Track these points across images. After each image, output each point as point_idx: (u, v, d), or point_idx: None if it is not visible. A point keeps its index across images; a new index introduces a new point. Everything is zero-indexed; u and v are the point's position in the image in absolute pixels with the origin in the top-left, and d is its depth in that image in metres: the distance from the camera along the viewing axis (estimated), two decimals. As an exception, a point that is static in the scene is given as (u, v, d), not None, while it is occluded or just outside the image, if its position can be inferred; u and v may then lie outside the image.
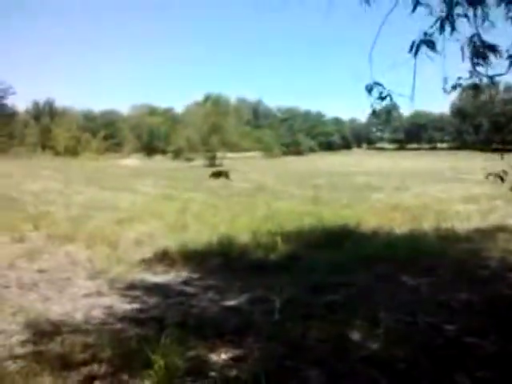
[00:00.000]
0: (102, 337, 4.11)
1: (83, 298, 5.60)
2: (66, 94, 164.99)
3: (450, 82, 4.45)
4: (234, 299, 5.52)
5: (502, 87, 77.83)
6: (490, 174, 5.00)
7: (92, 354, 3.84)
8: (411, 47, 4.20)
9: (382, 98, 4.26)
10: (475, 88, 4.50)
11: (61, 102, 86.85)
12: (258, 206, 13.86)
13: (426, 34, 4.24)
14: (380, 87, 4.25)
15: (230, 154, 58.48)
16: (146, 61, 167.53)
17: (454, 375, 3.49)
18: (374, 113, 4.44)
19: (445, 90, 4.40)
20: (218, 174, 27.41)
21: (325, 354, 3.86)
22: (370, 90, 4.24)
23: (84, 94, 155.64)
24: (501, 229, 9.80)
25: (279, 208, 13.57)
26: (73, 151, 67.58)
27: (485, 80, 4.47)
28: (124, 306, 5.31)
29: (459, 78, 4.44)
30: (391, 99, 4.30)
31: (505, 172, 4.87)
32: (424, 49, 4.22)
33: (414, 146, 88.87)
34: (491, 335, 4.24)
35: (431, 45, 4.19)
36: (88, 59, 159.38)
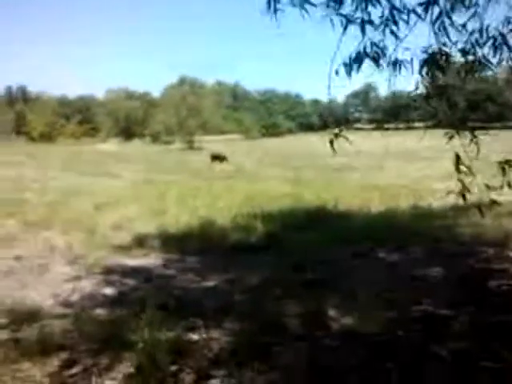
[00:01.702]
0: (82, 321, 4.09)
1: (62, 284, 5.54)
2: (40, 81, 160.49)
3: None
4: (214, 280, 5.53)
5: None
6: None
7: (71, 338, 3.81)
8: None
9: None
10: None
11: (35, 88, 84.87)
12: (238, 189, 13.87)
13: None
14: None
15: (209, 137, 58.04)
16: (121, 45, 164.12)
17: (431, 347, 3.57)
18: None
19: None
20: (216, 157, 26.27)
21: (304, 329, 3.91)
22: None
23: (59, 80, 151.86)
24: (476, 205, 9.96)
25: (259, 190, 13.60)
26: (48, 137, 66.28)
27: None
28: (103, 290, 5.28)
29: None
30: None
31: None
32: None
33: (392, 125, 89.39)
34: (466, 307, 4.34)
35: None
36: (62, 45, 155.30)
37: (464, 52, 3.80)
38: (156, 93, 79.93)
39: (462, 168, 3.44)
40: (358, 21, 3.45)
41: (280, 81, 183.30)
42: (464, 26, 3.75)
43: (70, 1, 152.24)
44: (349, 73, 3.52)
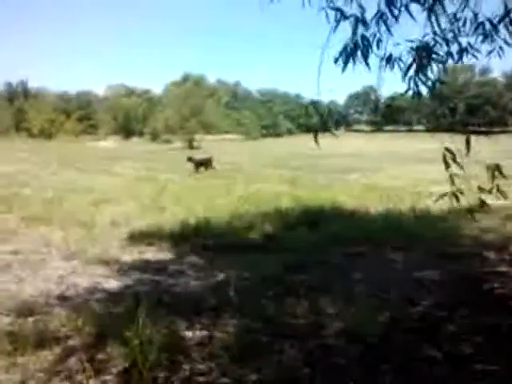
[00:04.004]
0: (78, 315, 4.09)
1: (58, 279, 5.53)
2: (41, 76, 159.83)
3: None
4: (211, 278, 5.53)
5: (477, 70, 78.61)
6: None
7: (66, 332, 3.82)
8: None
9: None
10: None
11: (35, 83, 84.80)
12: (236, 188, 13.86)
13: None
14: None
15: (208, 137, 57.97)
16: (121, 42, 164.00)
17: (424, 349, 3.57)
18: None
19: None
20: (199, 164, 20.78)
21: (300, 329, 3.92)
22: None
23: (59, 75, 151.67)
24: (475, 209, 9.98)
25: (258, 189, 13.60)
26: (48, 133, 66.32)
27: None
28: (100, 285, 5.27)
29: None
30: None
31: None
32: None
33: (392, 128, 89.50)
34: (461, 309, 4.35)
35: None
36: (62, 40, 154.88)
37: (447, 41, 3.72)
38: (157, 89, 79.94)
39: (455, 171, 3.41)
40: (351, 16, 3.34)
41: (280, 81, 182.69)
42: (455, 15, 3.72)
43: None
44: (344, 66, 3.41)
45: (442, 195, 3.52)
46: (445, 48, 3.67)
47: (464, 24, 3.72)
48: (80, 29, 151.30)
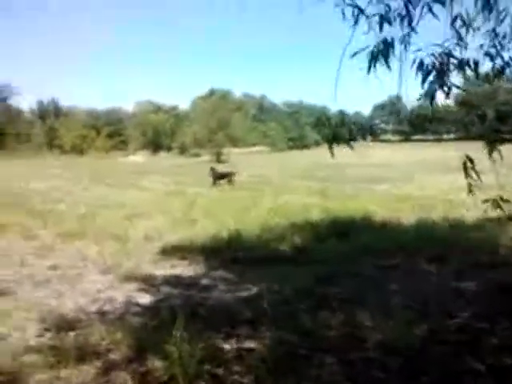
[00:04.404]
0: (116, 329, 4.17)
1: (96, 293, 5.66)
2: (70, 94, 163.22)
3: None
4: (244, 290, 5.56)
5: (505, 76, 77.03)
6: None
7: (106, 346, 3.90)
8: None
9: None
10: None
11: (65, 102, 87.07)
12: (264, 200, 13.90)
13: None
14: None
15: (236, 150, 58.33)
16: (148, 59, 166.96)
17: (466, 361, 3.51)
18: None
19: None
20: (220, 177, 20.92)
21: (336, 341, 3.90)
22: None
23: (88, 93, 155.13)
24: (509, 217, 9.75)
25: (286, 201, 13.62)
26: (79, 149, 67.93)
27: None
28: (136, 299, 5.37)
29: None
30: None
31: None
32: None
33: (419, 137, 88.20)
34: (502, 320, 4.25)
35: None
36: (90, 59, 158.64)
37: (491, 56, 3.65)
38: (183, 105, 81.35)
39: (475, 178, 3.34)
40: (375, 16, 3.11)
41: (305, 93, 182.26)
42: (494, 30, 3.65)
43: (94, 15, 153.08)
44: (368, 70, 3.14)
45: (486, 200, 3.46)
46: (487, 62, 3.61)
47: (504, 37, 3.66)
48: (108, 46, 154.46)
